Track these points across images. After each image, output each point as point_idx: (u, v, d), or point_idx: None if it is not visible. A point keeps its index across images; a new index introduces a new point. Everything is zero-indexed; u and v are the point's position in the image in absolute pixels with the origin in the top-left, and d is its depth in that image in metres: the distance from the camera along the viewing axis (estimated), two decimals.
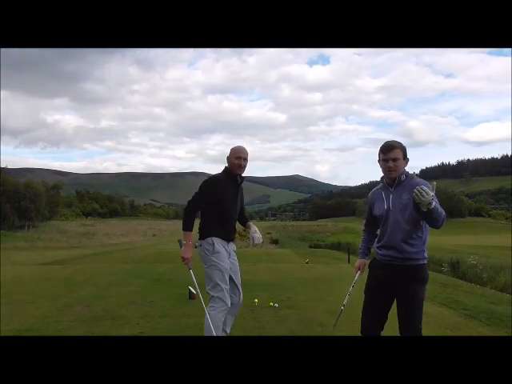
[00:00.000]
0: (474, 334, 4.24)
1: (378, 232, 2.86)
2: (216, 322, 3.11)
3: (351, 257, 13.92)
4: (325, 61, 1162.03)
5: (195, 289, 3.50)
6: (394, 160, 2.62)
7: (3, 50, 2.26)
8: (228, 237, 3.37)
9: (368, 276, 2.85)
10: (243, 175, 3.41)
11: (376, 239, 2.89)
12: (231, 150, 3.38)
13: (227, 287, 3.23)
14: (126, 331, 4.25)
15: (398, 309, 2.69)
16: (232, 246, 3.41)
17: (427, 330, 4.38)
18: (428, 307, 5.55)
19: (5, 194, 39.44)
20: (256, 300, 5.67)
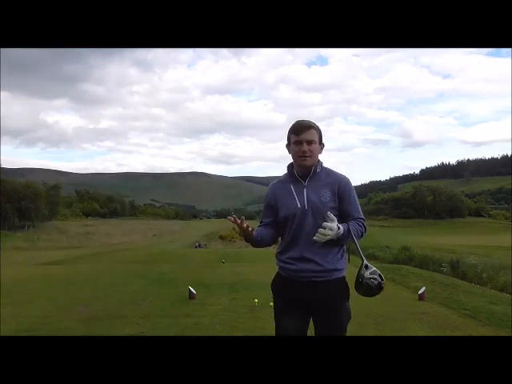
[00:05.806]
0: (474, 333, 4.24)
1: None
2: None
3: (351, 257, 13.89)
4: (323, 62, 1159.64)
5: None
6: (310, 143, 2.00)
7: (3, 50, 2.26)
8: None
9: (275, 297, 2.17)
10: None
11: (279, 248, 2.15)
12: None
13: None
14: (126, 331, 4.25)
15: (322, 328, 2.09)
16: None
17: (427, 330, 4.39)
18: (428, 307, 5.56)
19: (5, 194, 39.47)
20: (256, 300, 5.67)
